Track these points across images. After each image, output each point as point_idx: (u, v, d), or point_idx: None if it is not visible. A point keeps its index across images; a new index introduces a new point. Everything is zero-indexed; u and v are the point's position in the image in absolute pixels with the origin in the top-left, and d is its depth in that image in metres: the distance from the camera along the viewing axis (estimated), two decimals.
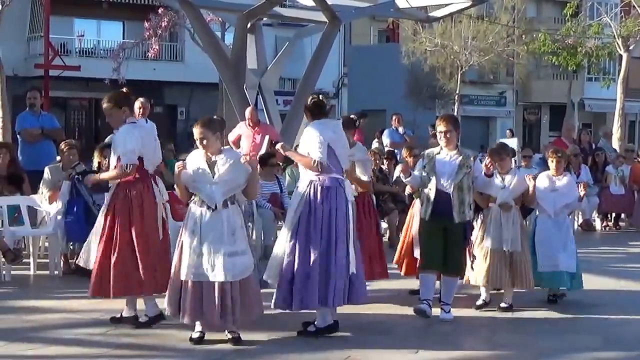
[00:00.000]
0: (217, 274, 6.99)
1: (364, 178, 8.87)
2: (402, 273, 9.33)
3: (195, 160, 7.22)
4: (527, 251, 8.74)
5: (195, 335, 7.18)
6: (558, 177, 9.16)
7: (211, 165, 7.15)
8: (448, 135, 8.19)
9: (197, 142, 7.19)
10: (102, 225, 7.57)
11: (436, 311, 8.24)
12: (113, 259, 7.46)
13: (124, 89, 8.01)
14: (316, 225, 7.35)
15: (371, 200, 9.44)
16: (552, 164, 9.26)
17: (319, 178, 7.43)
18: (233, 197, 7.17)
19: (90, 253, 7.67)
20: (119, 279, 7.46)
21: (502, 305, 8.71)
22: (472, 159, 8.21)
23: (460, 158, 8.16)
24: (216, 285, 6.99)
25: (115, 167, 7.59)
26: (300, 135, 8.45)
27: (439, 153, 8.27)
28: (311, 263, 7.30)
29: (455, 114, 39.61)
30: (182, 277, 7.08)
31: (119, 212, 7.51)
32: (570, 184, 9.15)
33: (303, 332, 7.47)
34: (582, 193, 9.02)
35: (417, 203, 9.10)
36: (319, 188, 7.42)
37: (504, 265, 8.61)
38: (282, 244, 7.45)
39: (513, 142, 22.40)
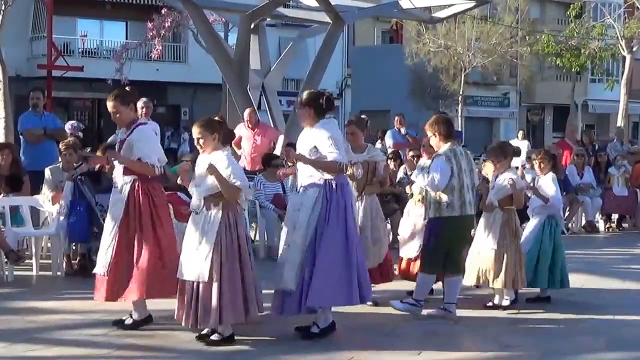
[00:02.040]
0: (191, 274, 7.09)
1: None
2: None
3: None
4: (514, 251, 8.63)
5: (204, 332, 7.26)
6: (543, 178, 9.19)
7: (198, 165, 7.29)
8: (429, 140, 8.30)
9: (195, 142, 7.26)
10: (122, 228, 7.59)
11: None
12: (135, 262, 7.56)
13: (127, 88, 7.99)
14: (338, 223, 7.31)
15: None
16: (536, 164, 9.35)
17: (333, 176, 7.38)
18: (217, 200, 7.11)
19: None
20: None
21: (503, 303, 8.73)
22: (434, 158, 8.15)
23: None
24: (191, 284, 7.09)
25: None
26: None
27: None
28: (337, 261, 7.28)
29: (459, 115, 39.70)
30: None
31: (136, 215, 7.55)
32: (548, 184, 9.11)
33: (305, 335, 7.40)
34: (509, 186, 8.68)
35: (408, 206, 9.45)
36: (335, 185, 7.35)
37: (484, 264, 8.62)
38: (298, 247, 7.28)
39: (523, 145, 22.10)
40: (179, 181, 7.45)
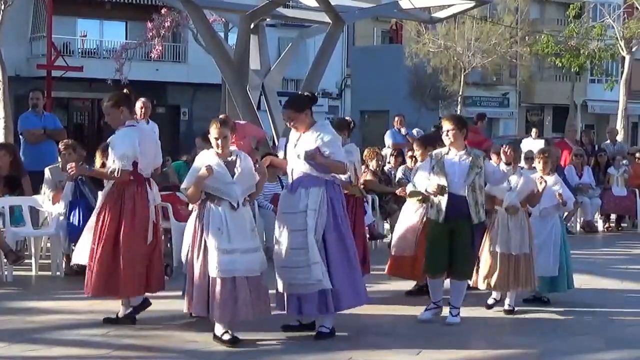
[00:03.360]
0: (248, 269, 7.13)
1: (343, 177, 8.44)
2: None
3: (210, 161, 7.25)
4: (534, 253, 8.65)
5: (227, 337, 7.17)
6: (545, 178, 9.10)
7: (229, 165, 7.26)
8: (450, 134, 8.08)
9: (215, 141, 7.25)
10: (95, 223, 7.70)
11: (445, 311, 8.26)
12: (96, 257, 7.63)
13: (125, 90, 8.02)
14: (343, 221, 7.46)
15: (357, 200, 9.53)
16: (539, 164, 9.25)
17: (334, 177, 7.46)
18: (247, 196, 7.35)
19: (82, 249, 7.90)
20: (99, 278, 7.63)
21: (506, 308, 8.70)
22: (481, 159, 8.11)
23: (471, 158, 8.05)
24: (248, 279, 7.13)
25: (108, 167, 7.68)
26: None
27: (447, 153, 8.16)
28: (348, 261, 7.43)
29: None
30: (213, 275, 7.11)
31: (111, 211, 7.62)
32: (557, 185, 9.09)
33: (317, 334, 7.45)
34: (540, 187, 8.67)
35: (407, 205, 9.35)
36: (336, 187, 7.50)
37: (511, 268, 8.56)
38: (316, 248, 7.28)
39: (539, 144, 21.48)
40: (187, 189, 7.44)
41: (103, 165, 10.39)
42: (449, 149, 8.16)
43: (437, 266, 8.24)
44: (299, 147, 7.44)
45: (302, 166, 7.40)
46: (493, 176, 8.19)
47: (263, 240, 11.76)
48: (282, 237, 7.43)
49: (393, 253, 9.34)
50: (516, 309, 8.68)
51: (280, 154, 8.05)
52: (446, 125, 8.16)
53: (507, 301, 8.71)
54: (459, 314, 8.19)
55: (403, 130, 17.81)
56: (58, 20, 31.86)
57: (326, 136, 7.41)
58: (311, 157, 7.30)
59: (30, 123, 12.55)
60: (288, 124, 7.58)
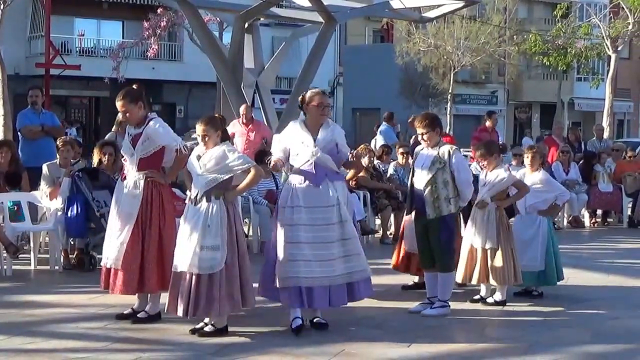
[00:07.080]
0: (187, 265, 7.17)
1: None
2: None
3: (193, 154, 7.50)
4: (509, 247, 8.67)
5: (199, 326, 7.36)
6: (532, 175, 9.24)
7: (202, 158, 7.40)
8: (425, 137, 8.27)
9: (199, 139, 7.40)
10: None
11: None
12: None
13: (134, 85, 8.09)
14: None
15: None
16: (527, 159, 9.34)
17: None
18: (218, 193, 7.26)
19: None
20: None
21: (494, 299, 8.78)
22: (447, 153, 8.13)
23: (436, 153, 8.18)
24: (187, 275, 7.18)
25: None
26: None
27: (422, 149, 8.36)
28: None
29: (448, 112, 39.92)
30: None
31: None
32: (544, 181, 9.21)
33: (319, 325, 7.54)
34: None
35: None
36: None
37: (476, 261, 8.69)
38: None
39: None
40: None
41: (100, 161, 10.63)
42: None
43: (424, 260, 8.43)
44: (321, 142, 7.52)
45: (326, 161, 7.50)
46: (457, 173, 8.17)
47: (257, 236, 11.92)
48: (304, 231, 7.42)
49: (406, 249, 9.32)
50: (507, 303, 8.78)
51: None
52: (419, 129, 8.33)
53: (495, 295, 8.79)
54: (443, 306, 8.25)
55: (399, 127, 17.96)
56: (56, 19, 31.96)
57: (341, 132, 7.73)
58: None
59: (28, 120, 12.66)
60: (322, 112, 7.61)
